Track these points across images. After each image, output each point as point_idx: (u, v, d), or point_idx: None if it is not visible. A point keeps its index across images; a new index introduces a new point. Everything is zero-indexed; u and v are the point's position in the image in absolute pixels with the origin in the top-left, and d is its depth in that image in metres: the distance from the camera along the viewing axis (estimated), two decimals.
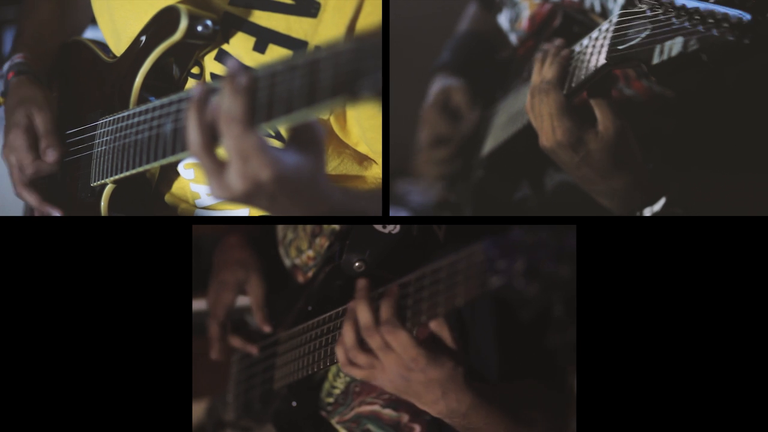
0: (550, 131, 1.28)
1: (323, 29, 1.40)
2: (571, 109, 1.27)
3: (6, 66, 1.58)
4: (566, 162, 1.29)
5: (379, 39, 1.10)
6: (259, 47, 1.43)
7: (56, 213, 1.52)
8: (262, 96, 1.18)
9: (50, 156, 1.49)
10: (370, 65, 1.09)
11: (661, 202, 1.30)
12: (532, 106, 1.31)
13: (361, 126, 1.44)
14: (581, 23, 1.40)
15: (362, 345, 1.24)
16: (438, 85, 1.66)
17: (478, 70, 1.63)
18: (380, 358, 1.23)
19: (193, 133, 1.21)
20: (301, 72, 1.15)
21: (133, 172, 1.40)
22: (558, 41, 1.30)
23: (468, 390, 1.22)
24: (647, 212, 1.31)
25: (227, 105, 1.19)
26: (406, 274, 1.21)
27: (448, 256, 1.16)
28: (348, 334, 1.25)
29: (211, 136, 1.21)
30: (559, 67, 1.28)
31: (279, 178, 1.18)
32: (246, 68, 1.21)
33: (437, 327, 1.22)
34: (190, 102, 1.22)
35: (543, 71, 1.29)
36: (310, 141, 1.22)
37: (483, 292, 1.10)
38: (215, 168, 1.20)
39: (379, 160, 1.48)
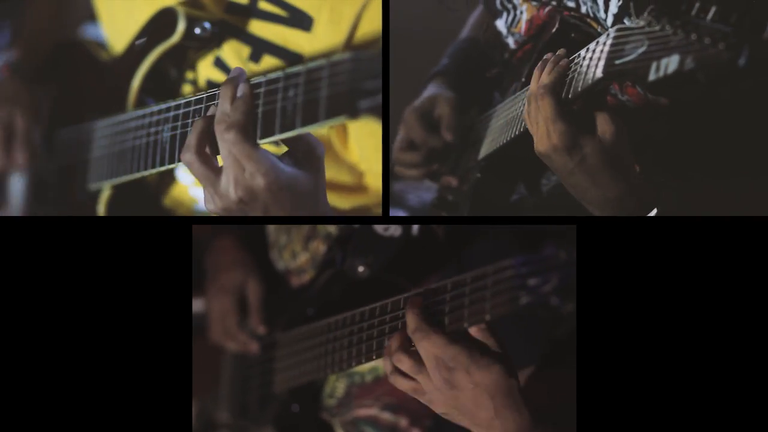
0: (545, 135, 1.27)
1: (318, 43, 1.39)
2: (568, 113, 1.26)
3: (1, 59, 1.57)
4: (560, 168, 1.28)
5: (380, 55, 1.10)
6: (254, 57, 1.42)
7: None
8: (264, 108, 1.19)
9: (18, 158, 1.51)
10: (372, 84, 1.09)
11: (653, 212, 1.29)
12: (529, 113, 1.30)
13: (359, 145, 1.44)
14: (578, 29, 1.41)
15: (407, 349, 1.18)
16: (429, 91, 1.66)
17: (473, 80, 1.64)
18: (424, 363, 1.15)
19: (192, 137, 1.21)
20: (303, 88, 1.15)
21: (131, 177, 1.40)
22: (561, 51, 1.30)
23: (525, 409, 1.13)
24: None
25: (224, 110, 1.19)
26: (414, 277, 1.22)
27: (466, 270, 1.15)
28: (394, 341, 1.19)
29: (209, 142, 1.21)
30: (558, 75, 1.27)
31: (273, 187, 1.18)
32: (247, 77, 1.21)
33: (478, 332, 1.15)
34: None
35: (541, 78, 1.29)
36: (309, 155, 1.21)
37: (512, 309, 1.09)
38: (209, 175, 1.20)
39: (376, 180, 1.48)
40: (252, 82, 1.21)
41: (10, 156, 1.52)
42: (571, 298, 1.02)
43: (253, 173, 1.17)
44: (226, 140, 1.18)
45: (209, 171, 1.21)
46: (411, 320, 1.15)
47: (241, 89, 1.20)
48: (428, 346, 1.13)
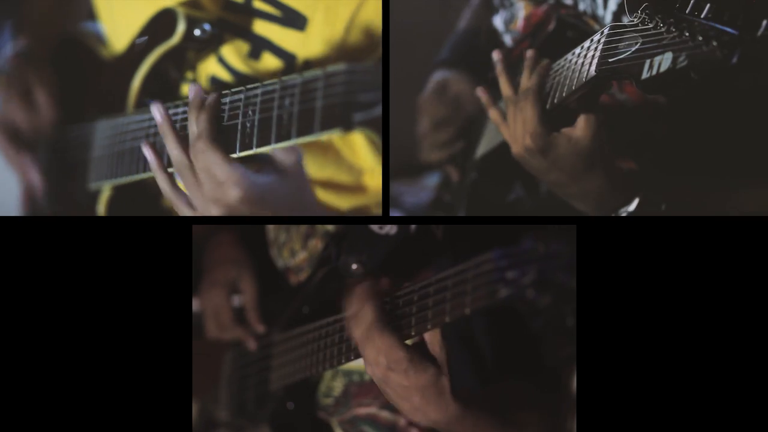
0: (520, 138, 1.29)
1: (311, 44, 1.38)
2: (546, 116, 1.28)
3: (10, 48, 1.57)
4: (536, 167, 1.30)
5: (377, 69, 1.10)
6: (254, 54, 1.42)
7: (32, 167, 1.52)
8: (260, 116, 1.19)
9: (45, 109, 1.50)
10: (367, 97, 1.09)
11: (635, 202, 1.31)
12: (508, 116, 1.32)
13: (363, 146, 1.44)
14: (575, 27, 1.40)
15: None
16: (436, 77, 1.67)
17: (477, 66, 1.64)
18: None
19: (175, 151, 1.24)
20: (299, 98, 1.15)
21: (130, 179, 1.40)
22: (531, 52, 1.31)
23: (453, 400, 1.18)
24: (623, 213, 1.32)
25: (191, 123, 1.21)
26: (407, 276, 1.21)
27: (455, 265, 1.15)
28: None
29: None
30: (539, 77, 1.29)
31: (249, 197, 1.19)
32: (212, 93, 1.24)
33: (429, 337, 1.20)
34: (162, 124, 1.25)
35: (523, 81, 1.30)
36: (286, 160, 1.22)
37: (491, 302, 1.09)
38: (191, 188, 1.24)
39: (376, 180, 1.48)
40: (249, 92, 1.21)
41: (39, 114, 1.51)
42: (548, 290, 1.02)
43: (227, 185, 1.19)
44: (197, 150, 1.20)
45: (192, 183, 1.25)
46: (370, 312, 1.18)
47: (208, 100, 1.23)
48: (377, 344, 1.17)
